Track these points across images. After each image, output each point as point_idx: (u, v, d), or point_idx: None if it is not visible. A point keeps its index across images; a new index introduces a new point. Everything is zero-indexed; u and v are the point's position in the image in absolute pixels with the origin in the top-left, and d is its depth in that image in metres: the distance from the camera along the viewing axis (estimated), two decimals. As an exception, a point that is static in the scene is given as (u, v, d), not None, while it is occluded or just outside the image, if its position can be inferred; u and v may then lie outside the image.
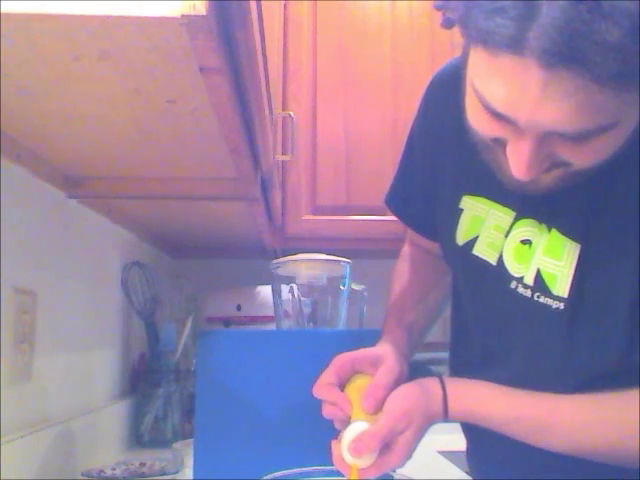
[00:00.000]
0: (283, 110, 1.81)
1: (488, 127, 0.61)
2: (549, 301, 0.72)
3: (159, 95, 0.74)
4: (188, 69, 0.65)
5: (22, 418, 1.01)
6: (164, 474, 1.15)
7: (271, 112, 1.07)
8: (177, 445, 1.18)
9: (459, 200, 0.83)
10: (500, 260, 0.77)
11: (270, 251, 1.90)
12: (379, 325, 0.92)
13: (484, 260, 0.79)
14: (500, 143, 0.62)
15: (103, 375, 1.45)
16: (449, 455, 1.43)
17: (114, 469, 1.17)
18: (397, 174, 0.99)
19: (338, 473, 0.73)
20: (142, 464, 1.22)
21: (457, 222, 0.83)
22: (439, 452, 1.46)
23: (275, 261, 1.12)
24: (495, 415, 0.73)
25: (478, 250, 0.80)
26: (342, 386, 0.78)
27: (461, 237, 0.83)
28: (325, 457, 0.74)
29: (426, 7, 1.99)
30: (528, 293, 0.74)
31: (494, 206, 0.78)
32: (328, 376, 0.78)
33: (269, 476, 0.71)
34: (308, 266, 1.11)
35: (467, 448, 0.95)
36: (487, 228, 0.79)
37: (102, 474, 1.13)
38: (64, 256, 1.19)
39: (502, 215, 0.77)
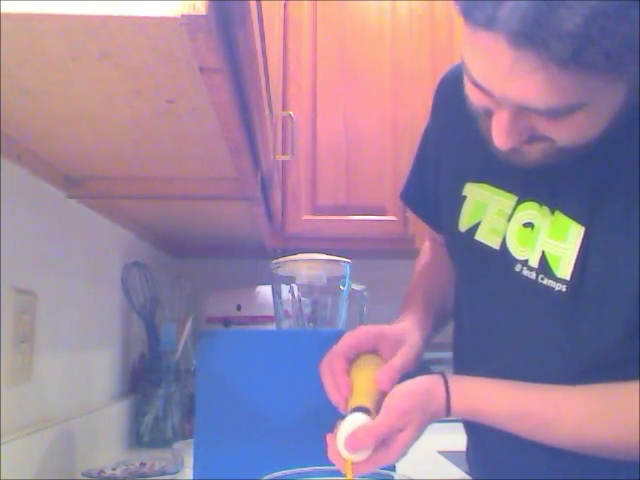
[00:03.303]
0: (283, 110, 1.81)
1: (476, 97, 0.66)
2: (552, 283, 0.72)
3: (159, 95, 0.74)
4: (188, 69, 0.65)
5: (22, 418, 1.01)
6: (164, 474, 1.15)
7: (271, 112, 1.07)
8: (177, 445, 1.18)
9: (462, 187, 0.84)
10: (503, 244, 0.78)
11: (270, 251, 1.91)
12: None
13: (487, 245, 0.80)
14: (489, 114, 0.66)
15: (103, 375, 1.45)
16: (449, 455, 1.43)
17: (114, 469, 1.17)
18: (412, 169, 1.00)
19: (338, 473, 0.73)
20: (142, 464, 1.22)
21: (460, 209, 0.84)
22: (439, 452, 1.46)
23: (275, 261, 1.12)
24: (500, 413, 0.73)
25: (481, 235, 0.81)
26: (350, 360, 0.78)
27: (463, 223, 0.83)
28: (325, 457, 0.74)
29: (426, 7, 1.99)
30: (532, 275, 0.74)
31: (497, 192, 0.79)
32: (341, 349, 0.78)
33: (269, 476, 0.71)
34: (308, 266, 1.11)
35: (467, 447, 0.95)
36: (489, 213, 0.80)
37: (102, 474, 1.13)
38: (64, 256, 1.19)
39: (504, 200, 0.78)
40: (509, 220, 0.77)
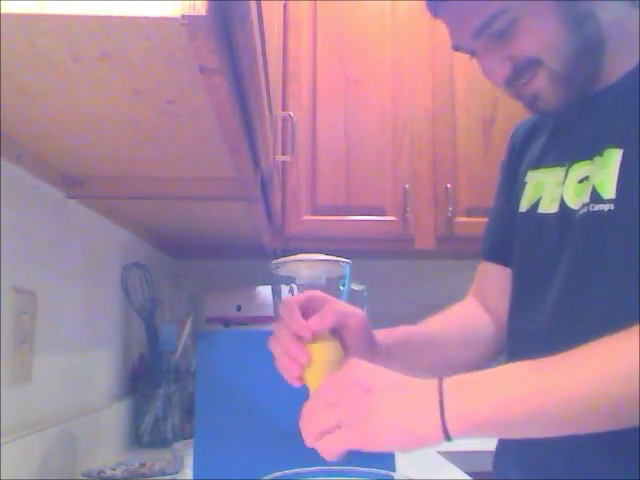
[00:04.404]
0: (283, 110, 1.81)
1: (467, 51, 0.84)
2: (601, 207, 0.73)
3: (159, 95, 0.74)
4: (188, 69, 0.65)
5: (22, 418, 1.01)
6: (164, 474, 1.15)
7: (271, 112, 1.07)
8: (177, 445, 1.18)
9: (524, 176, 0.90)
10: (562, 204, 0.80)
11: (270, 251, 1.91)
12: (379, 325, 0.92)
13: (547, 213, 0.82)
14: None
15: (103, 375, 1.45)
16: (449, 455, 1.44)
17: (114, 469, 1.17)
18: (488, 225, 1.00)
19: (338, 473, 0.73)
20: (142, 464, 1.22)
21: (522, 193, 0.88)
22: (439, 452, 1.46)
23: (275, 261, 1.12)
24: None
25: (542, 207, 0.84)
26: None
27: (524, 204, 0.87)
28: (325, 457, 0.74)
29: (426, 7, 1.99)
30: (585, 209, 0.75)
31: (552, 170, 0.84)
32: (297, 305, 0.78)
33: (269, 476, 0.71)
34: (308, 266, 1.10)
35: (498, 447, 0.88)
36: (548, 187, 0.84)
37: (102, 474, 1.13)
38: (64, 256, 1.19)
39: (558, 173, 0.83)
40: (564, 183, 0.80)
